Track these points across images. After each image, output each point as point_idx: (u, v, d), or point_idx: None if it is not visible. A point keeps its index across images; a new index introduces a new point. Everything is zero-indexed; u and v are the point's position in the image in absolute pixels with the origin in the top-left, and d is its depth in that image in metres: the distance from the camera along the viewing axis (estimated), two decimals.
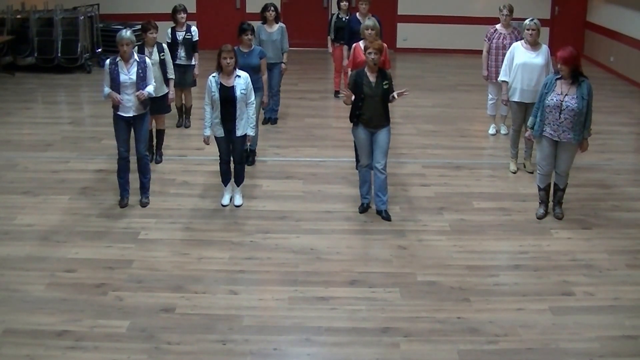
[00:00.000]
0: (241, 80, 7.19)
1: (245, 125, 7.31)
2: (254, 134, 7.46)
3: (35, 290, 5.84)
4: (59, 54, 13.81)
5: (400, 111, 11.05)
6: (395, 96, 7.17)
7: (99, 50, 14.29)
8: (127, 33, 7.18)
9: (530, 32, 8.40)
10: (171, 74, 8.62)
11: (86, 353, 5.03)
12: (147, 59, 7.41)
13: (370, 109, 7.09)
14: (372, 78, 7.08)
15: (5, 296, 5.75)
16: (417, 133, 10.18)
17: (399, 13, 16.31)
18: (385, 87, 7.06)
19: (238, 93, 7.16)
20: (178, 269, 6.26)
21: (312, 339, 5.27)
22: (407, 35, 16.30)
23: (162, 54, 8.47)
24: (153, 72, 7.57)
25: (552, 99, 7.00)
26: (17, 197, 7.73)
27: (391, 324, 5.45)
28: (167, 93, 8.58)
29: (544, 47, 8.39)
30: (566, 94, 6.97)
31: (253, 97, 7.33)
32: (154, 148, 8.80)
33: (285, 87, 12.44)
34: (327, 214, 7.43)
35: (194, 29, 9.90)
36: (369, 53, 7.04)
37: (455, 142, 9.92)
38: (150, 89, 7.31)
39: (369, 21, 8.13)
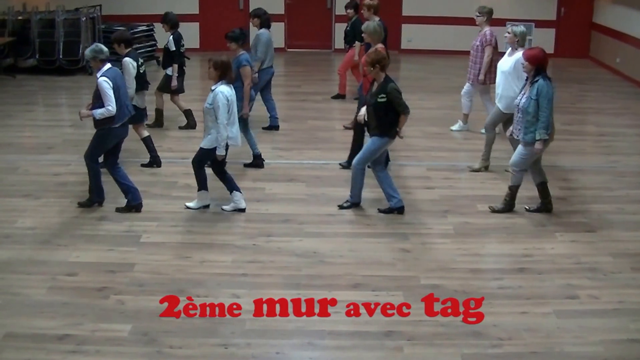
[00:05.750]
0: (210, 94, 7.05)
1: (211, 139, 7.09)
2: (221, 153, 7.16)
3: (37, 294, 5.81)
4: (61, 56, 13.81)
5: None
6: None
7: None
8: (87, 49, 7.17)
9: (504, 35, 8.62)
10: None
11: (88, 357, 5.00)
12: (101, 79, 6.95)
13: (369, 115, 7.28)
14: (374, 87, 7.26)
15: (6, 300, 5.72)
16: (422, 135, 10.14)
17: (403, 14, 16.29)
18: (380, 100, 7.07)
19: (204, 105, 7.11)
20: (180, 272, 6.23)
21: (314, 343, 5.23)
22: (412, 36, 16.27)
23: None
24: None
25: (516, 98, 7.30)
26: (18, 200, 7.71)
27: (394, 327, 5.41)
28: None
29: (517, 54, 8.20)
30: (524, 93, 7.14)
31: (218, 114, 7.00)
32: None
33: (289, 89, 12.46)
34: (331, 217, 7.40)
35: (170, 38, 9.77)
36: None
37: (460, 145, 9.89)
38: (98, 110, 6.97)
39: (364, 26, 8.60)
